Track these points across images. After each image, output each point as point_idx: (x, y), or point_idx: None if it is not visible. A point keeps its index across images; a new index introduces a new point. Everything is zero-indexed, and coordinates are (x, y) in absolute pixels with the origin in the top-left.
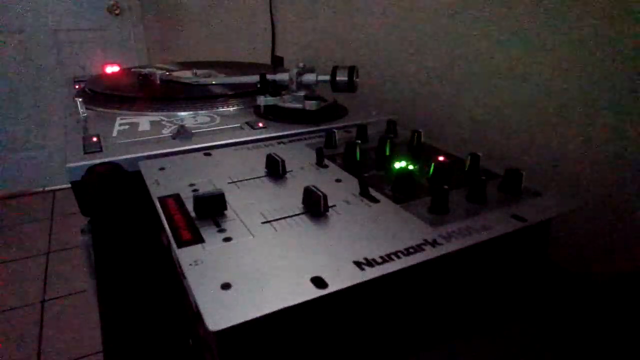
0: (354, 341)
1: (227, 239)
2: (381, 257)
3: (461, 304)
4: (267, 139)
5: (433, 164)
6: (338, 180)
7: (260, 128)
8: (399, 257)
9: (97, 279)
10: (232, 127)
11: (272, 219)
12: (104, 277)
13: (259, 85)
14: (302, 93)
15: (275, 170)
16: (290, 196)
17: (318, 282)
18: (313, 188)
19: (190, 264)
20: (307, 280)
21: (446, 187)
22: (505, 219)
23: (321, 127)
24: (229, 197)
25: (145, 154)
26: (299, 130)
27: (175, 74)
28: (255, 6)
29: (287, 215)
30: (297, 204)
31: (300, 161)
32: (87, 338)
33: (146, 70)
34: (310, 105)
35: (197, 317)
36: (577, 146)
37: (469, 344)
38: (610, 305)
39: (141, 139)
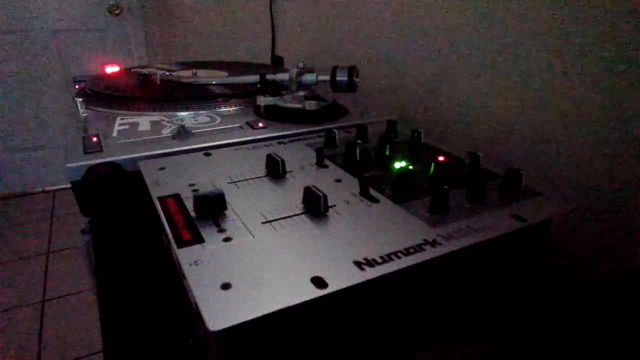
0: (354, 341)
1: (227, 239)
2: (381, 257)
3: (461, 304)
4: (267, 139)
5: (433, 164)
6: (338, 180)
7: (260, 128)
8: (399, 257)
9: (97, 278)
10: (232, 127)
11: (272, 219)
12: (104, 277)
13: (259, 85)
14: (302, 93)
15: (275, 170)
16: (290, 196)
17: (318, 282)
18: (313, 188)
19: (190, 264)
20: (307, 280)
21: (446, 187)
22: (505, 219)
23: (321, 127)
24: (229, 197)
25: (145, 154)
26: (299, 130)
27: (175, 74)
28: (255, 6)
29: (287, 215)
30: (297, 204)
31: (300, 161)
32: (87, 338)
33: (146, 70)
34: (310, 105)
35: (197, 317)
36: (577, 146)
37: (469, 344)
38: (610, 305)
39: (141, 139)
